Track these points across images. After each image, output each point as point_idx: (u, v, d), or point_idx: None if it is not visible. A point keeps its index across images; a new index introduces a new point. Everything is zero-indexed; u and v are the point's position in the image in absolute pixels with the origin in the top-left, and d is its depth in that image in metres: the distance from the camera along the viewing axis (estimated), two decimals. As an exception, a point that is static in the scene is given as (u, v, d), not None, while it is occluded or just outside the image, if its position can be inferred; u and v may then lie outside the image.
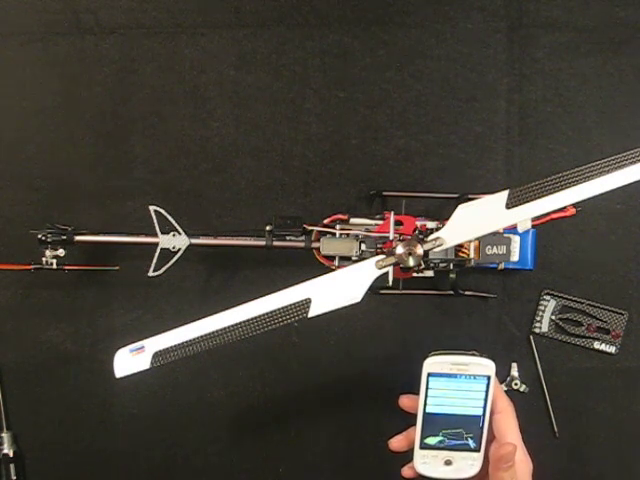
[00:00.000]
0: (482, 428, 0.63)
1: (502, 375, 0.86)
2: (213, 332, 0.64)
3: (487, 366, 0.63)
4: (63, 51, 0.87)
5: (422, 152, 0.86)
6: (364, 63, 0.86)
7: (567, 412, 0.85)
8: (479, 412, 0.63)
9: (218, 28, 0.87)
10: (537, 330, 0.86)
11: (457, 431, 0.63)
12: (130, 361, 0.65)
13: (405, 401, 0.67)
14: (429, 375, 0.63)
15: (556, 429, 0.85)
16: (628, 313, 0.85)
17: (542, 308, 0.86)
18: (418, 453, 0.64)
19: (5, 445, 0.86)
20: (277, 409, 0.87)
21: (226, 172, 0.87)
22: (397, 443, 0.67)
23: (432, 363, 0.63)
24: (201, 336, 0.64)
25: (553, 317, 0.85)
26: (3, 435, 0.86)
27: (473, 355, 0.64)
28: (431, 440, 0.64)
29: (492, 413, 0.64)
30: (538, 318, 0.86)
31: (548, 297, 0.85)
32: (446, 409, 0.64)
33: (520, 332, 0.86)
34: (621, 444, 0.86)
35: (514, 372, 0.85)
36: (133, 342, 0.65)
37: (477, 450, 0.63)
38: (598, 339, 0.85)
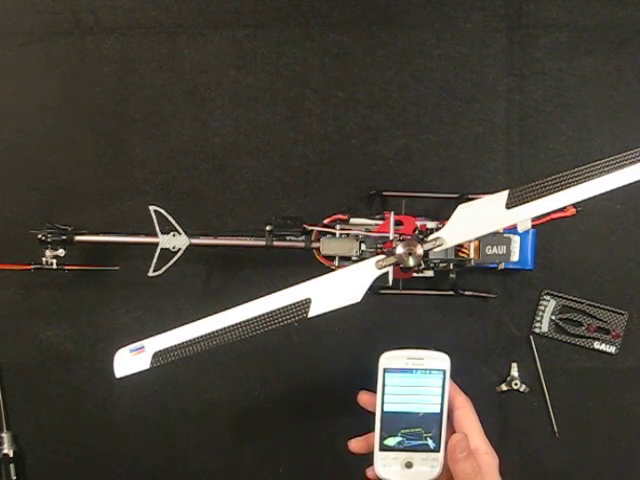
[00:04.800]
0: (441, 427, 0.63)
1: (502, 375, 0.86)
2: (213, 332, 0.64)
3: (442, 360, 0.64)
4: (63, 51, 0.87)
5: (422, 152, 0.86)
6: (364, 63, 0.86)
7: (567, 412, 0.85)
8: (437, 409, 0.63)
9: (218, 28, 0.87)
10: (537, 330, 0.86)
11: (416, 430, 0.63)
12: (130, 361, 0.65)
13: (365, 397, 0.66)
14: (385, 371, 0.63)
15: (556, 429, 0.85)
16: (628, 313, 0.85)
17: (542, 308, 0.86)
18: (378, 455, 0.63)
19: (5, 445, 0.86)
20: (277, 409, 0.87)
21: (226, 172, 0.87)
22: (356, 444, 0.66)
23: (388, 358, 0.63)
24: (201, 336, 0.64)
25: (553, 317, 0.85)
26: (3, 435, 0.86)
27: (428, 349, 0.64)
28: (390, 441, 0.63)
29: (451, 410, 0.64)
30: (538, 318, 0.86)
31: (548, 297, 0.85)
32: (404, 407, 0.63)
33: (520, 332, 0.86)
34: (621, 444, 0.86)
35: (514, 372, 0.85)
36: (133, 342, 0.65)
37: (437, 450, 0.63)
38: (598, 339, 0.85)
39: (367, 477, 0.66)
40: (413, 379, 0.63)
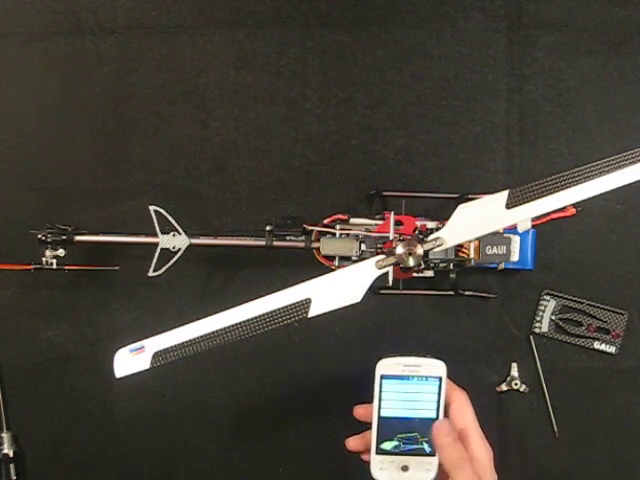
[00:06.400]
0: None
1: (502, 375, 0.86)
2: (213, 332, 0.64)
3: (439, 367, 0.64)
4: (63, 51, 0.87)
5: (422, 152, 0.86)
6: (364, 63, 0.86)
7: (567, 412, 0.85)
8: (433, 415, 0.64)
9: (218, 28, 0.87)
10: (537, 330, 0.86)
11: (412, 435, 0.64)
12: (130, 361, 0.65)
13: (360, 411, 0.67)
14: (382, 378, 0.64)
15: (556, 429, 0.85)
16: (628, 313, 0.85)
17: (542, 308, 0.86)
18: (375, 459, 0.64)
19: (5, 445, 0.86)
20: (277, 409, 0.87)
21: (226, 172, 0.87)
22: (353, 442, 0.67)
23: (384, 365, 0.64)
24: (201, 336, 0.64)
25: (553, 317, 0.85)
26: (3, 435, 0.86)
27: (425, 356, 0.65)
28: (387, 445, 0.64)
29: (447, 405, 0.64)
30: (538, 318, 0.86)
31: (548, 297, 0.85)
32: (400, 412, 0.64)
33: (520, 332, 0.86)
34: (621, 444, 0.86)
35: (514, 372, 0.85)
36: (133, 342, 0.65)
37: (433, 454, 0.64)
38: (598, 339, 0.85)
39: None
40: (409, 386, 0.64)
